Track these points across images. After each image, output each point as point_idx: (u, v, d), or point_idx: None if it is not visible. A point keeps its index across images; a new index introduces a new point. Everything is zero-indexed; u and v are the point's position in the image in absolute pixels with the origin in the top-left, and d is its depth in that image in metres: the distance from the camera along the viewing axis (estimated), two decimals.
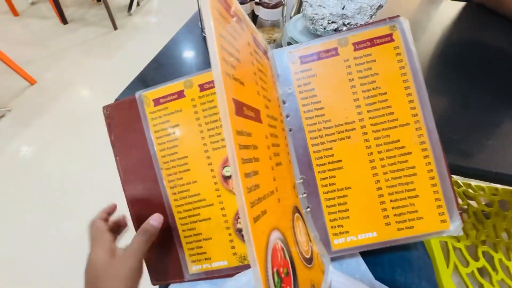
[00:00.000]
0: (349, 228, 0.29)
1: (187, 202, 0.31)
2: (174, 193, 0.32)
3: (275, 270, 0.17)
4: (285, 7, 0.53)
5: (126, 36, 1.91)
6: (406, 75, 0.29)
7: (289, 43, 0.45)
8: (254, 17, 0.49)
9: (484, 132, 0.39)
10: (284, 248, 0.19)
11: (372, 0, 0.38)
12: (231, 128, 0.16)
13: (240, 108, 0.18)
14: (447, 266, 0.56)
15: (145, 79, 0.50)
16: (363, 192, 0.29)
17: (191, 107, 0.31)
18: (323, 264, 0.27)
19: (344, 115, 0.30)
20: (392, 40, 0.29)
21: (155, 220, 0.30)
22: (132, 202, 0.33)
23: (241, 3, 0.45)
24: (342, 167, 0.30)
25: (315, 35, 0.42)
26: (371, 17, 0.38)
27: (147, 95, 0.33)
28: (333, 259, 0.30)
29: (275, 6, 0.44)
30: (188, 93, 0.31)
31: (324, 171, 0.30)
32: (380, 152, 0.29)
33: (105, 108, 0.34)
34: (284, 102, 0.30)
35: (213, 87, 0.31)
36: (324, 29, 0.38)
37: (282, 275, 0.17)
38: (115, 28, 1.95)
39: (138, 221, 0.33)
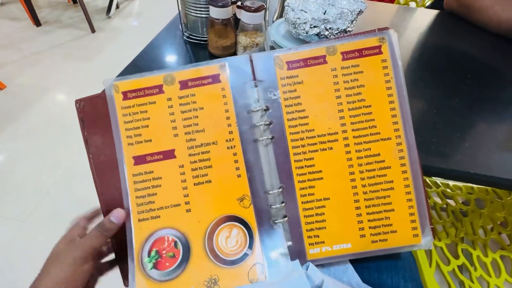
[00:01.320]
0: (325, 239, 0.30)
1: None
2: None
3: (154, 249, 0.28)
4: (267, 11, 0.54)
5: (105, 39, 1.83)
6: (391, 90, 0.29)
7: (271, 47, 0.45)
8: (236, 21, 0.49)
9: (461, 134, 0.40)
10: (178, 242, 0.29)
11: (352, 5, 0.38)
12: (127, 174, 0.30)
13: (142, 159, 0.30)
14: (430, 266, 0.58)
15: None
16: (341, 203, 0.30)
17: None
18: (256, 274, 0.28)
19: (327, 125, 0.30)
20: (380, 52, 0.30)
21: (115, 216, 0.28)
22: (106, 204, 0.31)
23: (222, 7, 0.44)
24: (322, 178, 0.30)
25: (297, 39, 0.42)
26: (352, 22, 0.39)
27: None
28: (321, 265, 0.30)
29: (257, 10, 0.44)
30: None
31: (304, 181, 0.30)
32: (360, 165, 0.29)
33: (78, 101, 0.31)
34: (267, 109, 0.30)
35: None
36: (307, 33, 0.38)
37: (163, 255, 0.28)
38: (93, 31, 1.87)
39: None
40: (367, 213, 0.30)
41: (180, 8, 0.55)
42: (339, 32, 0.38)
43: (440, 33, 0.67)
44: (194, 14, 0.51)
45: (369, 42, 0.30)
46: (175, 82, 0.30)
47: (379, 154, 0.29)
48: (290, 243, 0.30)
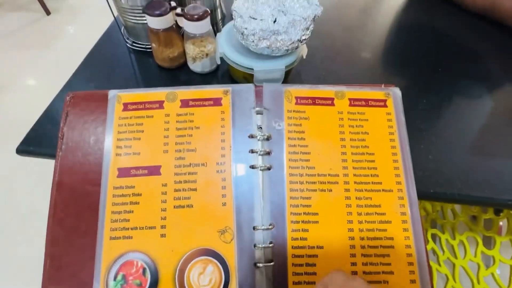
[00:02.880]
0: None
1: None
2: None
3: (121, 273, 0.25)
4: (217, 11, 0.47)
5: (63, 21, 1.58)
6: (394, 142, 0.29)
7: (222, 59, 0.38)
8: (178, 29, 0.41)
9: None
10: (147, 269, 0.25)
11: (306, 10, 0.33)
12: (108, 186, 0.27)
13: (126, 171, 0.28)
14: None
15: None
16: (335, 255, 0.26)
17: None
18: None
19: (329, 165, 0.28)
20: (386, 106, 0.31)
21: None
22: (56, 209, 0.27)
23: (159, 15, 0.37)
24: (317, 221, 0.27)
25: (249, 51, 0.36)
26: (307, 29, 0.34)
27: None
28: None
29: (200, 18, 0.36)
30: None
31: (298, 222, 0.27)
32: (359, 214, 0.27)
33: (69, 94, 0.30)
34: (269, 138, 0.28)
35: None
36: (256, 46, 0.33)
37: (129, 281, 0.25)
38: (48, 12, 1.61)
39: (54, 238, 0.27)
40: (364, 272, 0.26)
41: (115, 14, 0.45)
42: (293, 43, 0.33)
43: (414, 14, 0.60)
44: (134, 21, 0.43)
45: (376, 94, 0.31)
46: (176, 99, 0.30)
47: (380, 206, 0.27)
48: None
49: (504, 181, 0.34)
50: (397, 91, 0.31)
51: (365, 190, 0.28)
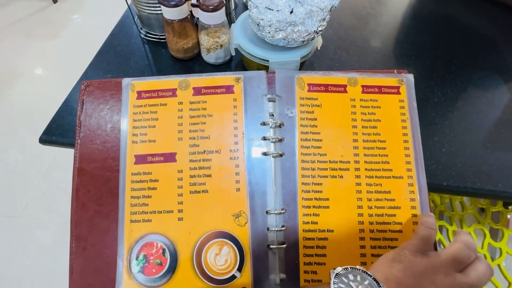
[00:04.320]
0: (323, 277, 0.26)
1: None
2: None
3: (142, 253, 0.27)
4: (231, 1, 0.47)
5: (70, 9, 1.58)
6: (406, 129, 0.29)
7: (237, 50, 0.38)
8: (192, 19, 0.41)
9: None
10: (167, 250, 0.27)
11: (323, 1, 0.33)
12: (126, 172, 0.29)
13: (143, 158, 0.29)
14: None
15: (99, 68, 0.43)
16: (344, 239, 0.27)
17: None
18: None
19: (340, 152, 0.29)
20: (399, 93, 0.30)
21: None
22: (79, 194, 0.29)
23: (175, 6, 0.37)
24: (328, 207, 0.28)
25: (264, 42, 0.36)
26: (323, 20, 0.34)
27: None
28: None
29: (215, 9, 0.36)
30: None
31: (309, 207, 0.27)
32: (369, 200, 0.28)
33: (84, 83, 0.31)
34: (281, 125, 0.29)
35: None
36: (272, 37, 0.34)
37: (151, 261, 0.27)
38: (55, 1, 1.62)
39: (79, 220, 0.28)
40: (372, 255, 0.27)
41: (130, 4, 0.46)
42: (309, 34, 0.34)
43: (429, 2, 0.58)
44: (148, 12, 0.43)
45: (389, 81, 0.31)
46: (189, 87, 0.31)
47: (389, 192, 0.28)
48: (283, 275, 0.26)
49: None
50: (410, 77, 0.31)
51: (376, 177, 0.28)
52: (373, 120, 0.29)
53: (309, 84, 0.30)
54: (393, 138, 0.29)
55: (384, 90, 0.30)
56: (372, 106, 0.30)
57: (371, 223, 0.27)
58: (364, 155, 0.29)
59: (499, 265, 0.55)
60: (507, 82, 0.44)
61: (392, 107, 0.30)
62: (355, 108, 0.30)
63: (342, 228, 0.27)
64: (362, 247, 0.27)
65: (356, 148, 0.29)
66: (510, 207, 0.63)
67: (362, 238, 0.27)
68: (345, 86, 0.30)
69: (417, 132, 0.29)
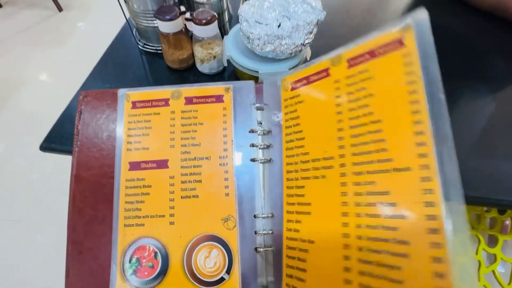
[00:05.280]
0: None
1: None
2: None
3: (135, 256, 0.28)
4: (225, 14, 0.48)
5: (75, 18, 1.64)
6: (417, 94, 0.19)
7: (229, 61, 0.40)
8: (187, 32, 0.43)
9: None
10: (158, 253, 0.28)
11: (309, 16, 0.34)
12: (121, 178, 0.30)
13: (137, 165, 0.30)
14: None
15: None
16: (326, 255, 0.22)
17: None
18: None
19: (323, 148, 0.24)
20: (402, 45, 0.21)
21: None
22: (75, 200, 0.30)
23: (169, 20, 0.39)
24: (309, 213, 0.24)
25: (254, 53, 0.37)
26: (310, 33, 0.35)
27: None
28: None
29: (208, 23, 0.38)
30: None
31: (292, 212, 0.27)
32: (358, 205, 0.21)
33: (82, 93, 0.33)
34: (268, 133, 0.30)
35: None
36: (261, 49, 0.35)
37: (143, 264, 0.28)
38: (60, 9, 1.67)
39: (75, 225, 0.29)
40: (360, 285, 0.20)
41: (127, 17, 0.47)
42: (296, 47, 0.35)
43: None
44: (145, 25, 0.46)
45: (385, 37, 0.22)
46: (181, 97, 0.32)
47: (387, 193, 0.19)
48: (272, 278, 0.27)
49: (503, 181, 0.34)
50: (422, 19, 0.20)
51: (367, 172, 0.21)
52: (363, 97, 0.22)
53: (292, 83, 0.29)
54: (394, 113, 0.20)
55: (377, 52, 0.22)
56: (361, 80, 0.23)
57: (359, 238, 0.20)
58: (351, 145, 0.22)
59: (493, 271, 0.55)
60: (495, 91, 0.45)
61: (391, 70, 0.21)
62: (339, 90, 0.24)
63: (324, 240, 0.22)
64: (347, 269, 0.20)
65: (341, 139, 0.23)
66: (505, 213, 0.63)
67: (347, 258, 0.20)
68: (327, 69, 0.25)
69: (437, 93, 0.19)
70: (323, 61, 0.26)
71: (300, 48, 0.35)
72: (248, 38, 0.36)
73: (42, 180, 1.05)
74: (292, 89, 0.29)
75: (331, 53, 0.26)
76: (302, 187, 0.26)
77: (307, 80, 0.27)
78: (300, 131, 0.27)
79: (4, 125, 1.21)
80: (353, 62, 0.24)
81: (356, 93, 0.23)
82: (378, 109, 0.21)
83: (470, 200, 0.34)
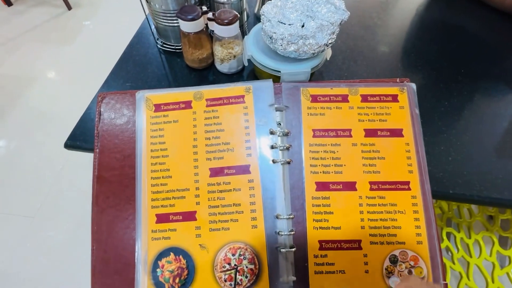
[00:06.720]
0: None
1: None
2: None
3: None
4: (244, 14, 0.49)
5: (84, 16, 1.66)
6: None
7: (249, 61, 0.40)
8: (207, 31, 0.44)
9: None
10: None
11: (333, 16, 0.35)
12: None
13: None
14: None
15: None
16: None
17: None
18: None
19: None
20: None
21: None
22: (98, 200, 0.30)
23: (191, 20, 0.39)
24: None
25: (276, 53, 0.38)
26: (333, 33, 0.36)
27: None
28: None
29: (230, 23, 0.38)
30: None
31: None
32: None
33: (100, 95, 0.33)
34: (287, 134, 0.31)
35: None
36: (284, 49, 0.35)
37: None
38: (69, 7, 1.69)
39: (99, 225, 0.30)
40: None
41: (148, 15, 0.48)
42: (319, 47, 0.35)
43: (437, 12, 0.59)
44: (165, 24, 0.46)
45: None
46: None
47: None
48: (293, 278, 0.28)
49: None
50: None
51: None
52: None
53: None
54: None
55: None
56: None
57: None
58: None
59: (508, 273, 0.55)
60: None
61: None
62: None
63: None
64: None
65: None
66: None
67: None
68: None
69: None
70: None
71: (323, 48, 0.35)
72: (270, 38, 0.36)
73: (53, 177, 1.07)
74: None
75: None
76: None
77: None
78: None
79: (16, 122, 1.22)
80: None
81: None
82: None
83: (494, 202, 0.34)
